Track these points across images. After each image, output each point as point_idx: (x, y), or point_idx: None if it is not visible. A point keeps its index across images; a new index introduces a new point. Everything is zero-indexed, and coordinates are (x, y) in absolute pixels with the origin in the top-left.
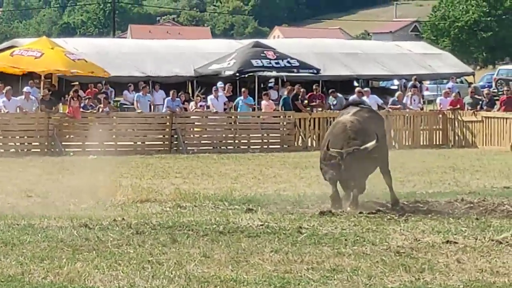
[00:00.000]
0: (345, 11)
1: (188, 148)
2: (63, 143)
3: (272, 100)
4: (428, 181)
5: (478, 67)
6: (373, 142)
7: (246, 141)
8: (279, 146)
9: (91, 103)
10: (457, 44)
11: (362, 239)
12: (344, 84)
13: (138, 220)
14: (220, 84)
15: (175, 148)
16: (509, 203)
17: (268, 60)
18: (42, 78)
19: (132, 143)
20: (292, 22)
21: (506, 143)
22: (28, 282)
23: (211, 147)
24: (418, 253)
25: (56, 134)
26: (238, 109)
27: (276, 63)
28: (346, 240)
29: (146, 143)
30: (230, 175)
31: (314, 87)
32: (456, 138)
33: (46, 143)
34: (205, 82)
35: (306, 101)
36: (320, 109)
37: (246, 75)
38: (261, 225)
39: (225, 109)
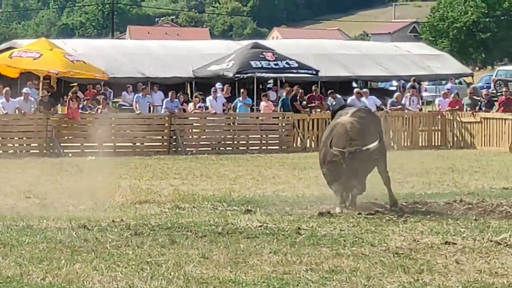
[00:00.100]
0: (344, 12)
1: (187, 149)
2: (61, 144)
3: (271, 101)
4: (427, 182)
5: (476, 68)
6: (376, 143)
7: (245, 142)
8: (278, 147)
9: (90, 104)
10: (456, 45)
11: (361, 240)
12: (342, 85)
13: (137, 221)
14: (218, 85)
15: (173, 149)
16: (507, 204)
17: (267, 61)
18: (41, 79)
19: (131, 144)
20: (291, 23)
21: (505, 144)
22: (27, 283)
23: (210, 148)
24: (417, 254)
25: (55, 135)
26: (237, 110)
27: (275, 64)
28: (345, 241)
29: (145, 144)
30: (229, 176)
31: (313, 88)
32: (455, 139)
33: (44, 144)
34: (203, 83)
35: (304, 102)
36: (319, 110)
37: (245, 76)
38: (260, 226)
39: (224, 110)
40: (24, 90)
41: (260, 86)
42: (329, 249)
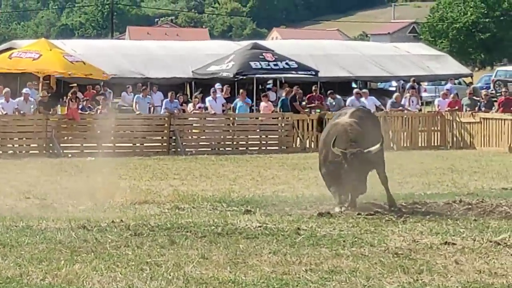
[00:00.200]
0: (343, 12)
1: (187, 149)
2: (61, 145)
3: (271, 101)
4: (427, 183)
5: (476, 69)
6: (378, 146)
7: (244, 142)
8: (277, 148)
9: (90, 105)
10: (455, 45)
11: (361, 240)
12: (342, 86)
13: (137, 221)
14: (218, 85)
15: (173, 149)
16: (507, 205)
17: (267, 62)
18: (41, 79)
19: (131, 144)
20: (290, 24)
21: (504, 144)
22: (27, 284)
23: (209, 149)
24: (416, 255)
25: (55, 135)
26: (236, 111)
27: (274, 65)
28: (344, 241)
29: (145, 144)
30: (228, 177)
31: (313, 88)
32: (454, 139)
33: (44, 145)
34: (203, 84)
35: (304, 103)
36: (318, 110)
37: (245, 77)
38: (260, 226)
39: (223, 111)
40: (24, 90)
41: (260, 87)
42: (329, 249)
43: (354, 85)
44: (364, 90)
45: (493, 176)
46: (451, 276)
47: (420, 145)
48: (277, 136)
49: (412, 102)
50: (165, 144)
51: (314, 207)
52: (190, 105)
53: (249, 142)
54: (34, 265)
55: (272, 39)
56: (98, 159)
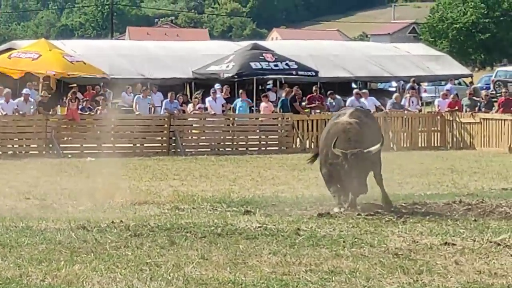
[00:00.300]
0: (343, 13)
1: (186, 150)
2: (61, 145)
3: (271, 101)
4: (426, 183)
5: (476, 69)
6: (378, 146)
7: (244, 143)
8: (277, 148)
9: (89, 105)
10: (455, 45)
11: (360, 241)
12: (342, 86)
13: (136, 222)
14: (217, 86)
15: (173, 150)
16: (507, 205)
17: (267, 63)
18: (41, 80)
19: (131, 145)
20: (290, 24)
21: (504, 144)
22: (26, 284)
23: (209, 149)
24: (416, 255)
25: (54, 136)
26: (236, 111)
27: (274, 65)
28: (344, 242)
29: (144, 145)
30: (228, 177)
31: (314, 88)
32: (454, 139)
33: (44, 145)
34: (203, 84)
35: (304, 103)
36: (318, 110)
37: (245, 77)
38: (259, 227)
39: (223, 111)
40: (24, 91)
41: (260, 87)
42: (329, 250)
43: (354, 85)
44: (364, 91)
45: (493, 176)
46: (451, 277)
47: (420, 145)
48: (277, 137)
49: (412, 102)
50: (165, 144)
51: (314, 208)
52: (190, 106)
53: (249, 143)
54: (34, 265)
55: (272, 39)
56: (98, 159)
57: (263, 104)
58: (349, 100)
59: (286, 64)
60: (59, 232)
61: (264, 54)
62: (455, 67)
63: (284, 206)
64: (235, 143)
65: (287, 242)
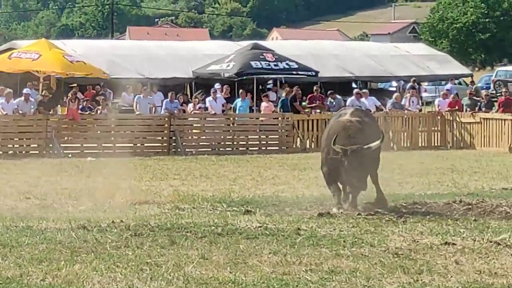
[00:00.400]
0: (343, 12)
1: (187, 150)
2: (61, 145)
3: (271, 101)
4: (427, 183)
5: (476, 69)
6: (378, 142)
7: (244, 142)
8: (277, 148)
9: (90, 105)
10: (455, 45)
11: (361, 240)
12: (342, 86)
13: (137, 222)
14: (217, 85)
15: (173, 149)
16: (507, 205)
17: (267, 62)
18: (41, 80)
19: (131, 145)
20: (291, 24)
21: (504, 144)
22: (27, 284)
23: (210, 149)
24: (417, 255)
25: (55, 136)
26: (237, 111)
27: (275, 65)
28: (344, 241)
29: (145, 145)
30: (228, 177)
31: (314, 88)
32: (455, 139)
33: (44, 145)
34: (203, 84)
35: (305, 103)
36: (318, 110)
37: (245, 77)
38: (260, 226)
39: (223, 111)
40: (24, 90)
41: (260, 87)
42: (329, 249)
43: (354, 85)
44: (364, 90)
45: (493, 176)
46: (451, 277)
47: (420, 145)
48: (277, 136)
49: (412, 102)
50: (165, 144)
51: (314, 208)
52: (190, 105)
53: (249, 142)
54: (34, 265)
55: (272, 39)
56: (98, 159)
57: (263, 104)
58: (349, 100)
59: (287, 64)
60: (60, 232)
61: (264, 54)
62: (455, 67)
63: (284, 205)
64: (235, 143)
65: (287, 242)
